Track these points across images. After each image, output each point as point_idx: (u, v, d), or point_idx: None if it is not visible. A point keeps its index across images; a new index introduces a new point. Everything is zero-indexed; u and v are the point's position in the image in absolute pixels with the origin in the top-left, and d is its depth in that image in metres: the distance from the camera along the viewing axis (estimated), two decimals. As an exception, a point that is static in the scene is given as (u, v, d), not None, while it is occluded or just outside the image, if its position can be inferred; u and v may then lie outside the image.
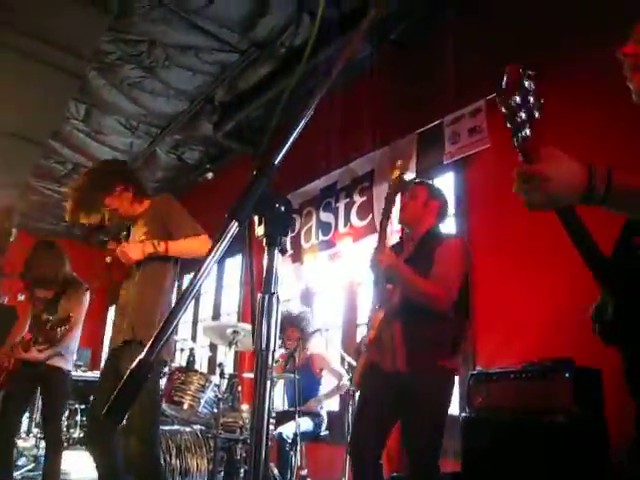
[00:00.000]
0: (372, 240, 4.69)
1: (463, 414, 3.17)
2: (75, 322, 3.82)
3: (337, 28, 4.46)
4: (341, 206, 5.10)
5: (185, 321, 8.17)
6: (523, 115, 1.24)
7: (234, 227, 0.84)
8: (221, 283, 7.42)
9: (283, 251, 0.91)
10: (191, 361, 4.37)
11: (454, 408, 3.90)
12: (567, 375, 2.74)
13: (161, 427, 3.91)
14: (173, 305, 0.82)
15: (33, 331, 3.78)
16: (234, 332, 3.77)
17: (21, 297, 7.79)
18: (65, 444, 7.33)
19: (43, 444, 6.81)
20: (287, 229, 0.91)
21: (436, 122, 4.34)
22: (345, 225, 5.02)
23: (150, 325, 2.73)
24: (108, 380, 2.83)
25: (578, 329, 3.18)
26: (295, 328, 4.51)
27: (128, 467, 2.70)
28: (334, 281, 5.27)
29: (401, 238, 3.12)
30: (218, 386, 3.71)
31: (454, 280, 2.71)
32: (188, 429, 3.97)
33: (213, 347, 6.58)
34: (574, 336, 3.19)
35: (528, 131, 1.23)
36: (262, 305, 0.87)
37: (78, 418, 7.53)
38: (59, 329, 3.63)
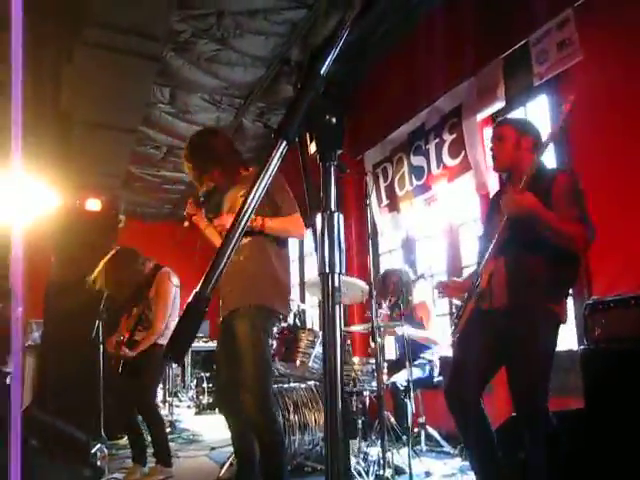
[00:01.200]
0: (467, 178, 4.50)
1: (581, 347, 2.99)
2: (159, 311, 4.02)
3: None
4: (432, 147, 4.92)
5: (292, 284, 8.35)
6: None
7: (282, 146, 0.78)
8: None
9: (340, 167, 0.84)
10: (300, 319, 4.45)
11: (572, 342, 3.72)
12: (695, 297, 2.50)
13: (278, 385, 4.03)
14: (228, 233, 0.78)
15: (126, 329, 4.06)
16: (336, 287, 3.77)
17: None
18: (196, 409, 7.87)
19: (177, 411, 7.33)
20: (341, 141, 0.84)
21: (521, 43, 4.03)
22: (438, 166, 4.84)
23: (264, 291, 2.76)
24: (225, 347, 2.90)
25: None
26: (395, 280, 4.45)
27: (248, 425, 2.79)
28: (434, 225, 5.14)
29: (502, 185, 2.90)
30: (327, 341, 3.74)
31: (588, 217, 2.47)
32: (303, 385, 4.06)
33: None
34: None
35: None
36: (322, 225, 0.82)
37: (205, 385, 7.99)
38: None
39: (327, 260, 0.81)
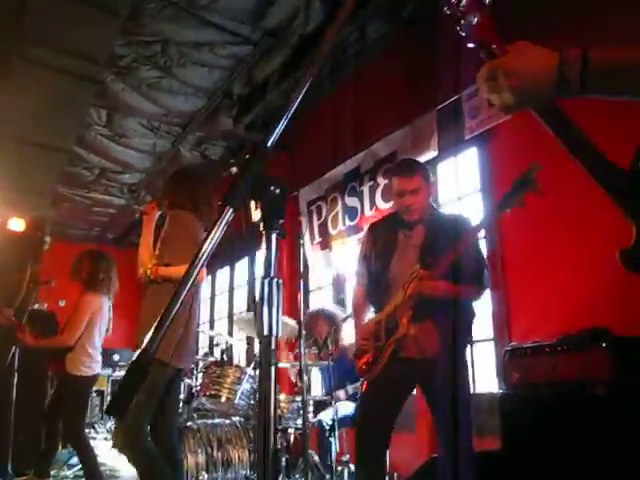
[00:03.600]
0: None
1: (500, 391, 3.14)
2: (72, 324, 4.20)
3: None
4: (366, 189, 5.06)
5: (220, 316, 8.26)
6: (464, 1, 1.11)
7: (229, 213, 0.82)
8: (253, 275, 7.46)
9: (282, 234, 0.89)
10: (227, 355, 4.41)
11: (492, 385, 3.87)
12: (604, 345, 2.68)
13: (202, 420, 3.97)
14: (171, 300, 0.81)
15: None
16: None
17: (61, 303, 8.03)
18: (114, 442, 7.56)
19: (93, 443, 7.02)
20: (283, 212, 0.90)
21: (455, 97, 4.26)
22: (371, 208, 4.98)
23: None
24: None
25: (616, 298, 3.13)
26: (323, 320, 4.50)
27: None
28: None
29: (392, 215, 2.98)
30: (254, 377, 3.73)
31: (486, 271, 2.79)
32: (227, 421, 4.02)
33: (250, 340, 6.64)
34: (612, 306, 3.14)
35: (475, 19, 1.09)
36: (262, 290, 0.86)
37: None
38: None
39: (266, 324, 0.84)
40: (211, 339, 6.83)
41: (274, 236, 0.87)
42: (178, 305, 0.80)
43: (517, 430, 2.91)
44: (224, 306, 8.12)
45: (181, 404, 4.44)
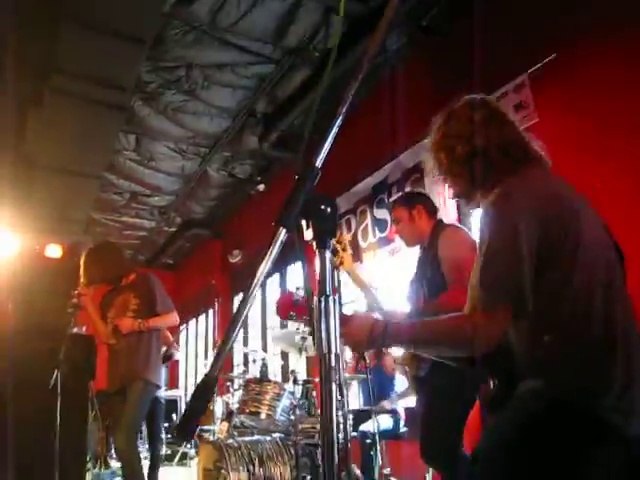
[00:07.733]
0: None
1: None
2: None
3: (366, 24, 4.48)
4: (394, 201, 5.05)
5: (253, 334, 8.29)
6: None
7: (282, 234, 0.84)
8: (285, 289, 7.48)
9: (334, 252, 0.91)
10: (264, 371, 4.43)
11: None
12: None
13: (242, 438, 3.97)
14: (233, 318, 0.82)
15: None
16: (302, 338, 3.79)
17: (83, 329, 8.12)
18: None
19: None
20: (335, 230, 0.91)
21: (481, 101, 4.24)
22: (400, 219, 4.95)
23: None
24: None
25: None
26: None
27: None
28: (397, 276, 5.22)
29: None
30: (293, 393, 3.74)
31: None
32: (268, 438, 4.00)
33: (284, 355, 6.64)
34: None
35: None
36: (319, 308, 0.87)
37: (163, 435, 7.74)
38: None
39: (325, 342, 0.86)
40: (245, 356, 6.84)
41: (327, 254, 0.89)
42: (233, 338, 0.81)
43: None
44: (257, 323, 8.15)
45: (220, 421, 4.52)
